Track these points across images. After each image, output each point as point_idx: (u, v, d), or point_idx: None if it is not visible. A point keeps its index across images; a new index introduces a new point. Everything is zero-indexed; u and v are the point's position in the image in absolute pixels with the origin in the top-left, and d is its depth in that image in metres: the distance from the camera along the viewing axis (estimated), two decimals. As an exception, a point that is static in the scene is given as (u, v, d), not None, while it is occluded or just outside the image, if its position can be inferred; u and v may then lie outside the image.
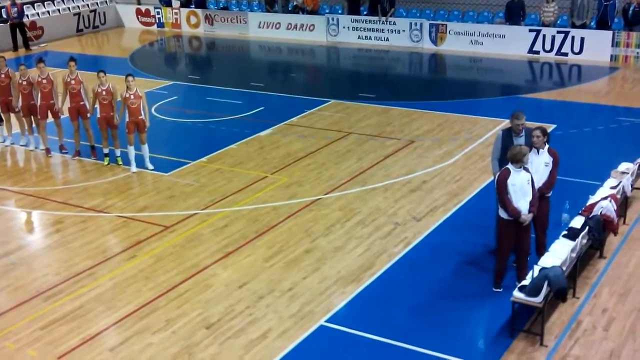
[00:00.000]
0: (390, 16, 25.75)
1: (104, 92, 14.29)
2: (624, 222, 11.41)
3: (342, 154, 14.94)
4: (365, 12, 26.72)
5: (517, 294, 8.59)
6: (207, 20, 29.44)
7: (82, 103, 14.95)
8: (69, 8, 30.09)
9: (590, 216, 10.16)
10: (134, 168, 14.39)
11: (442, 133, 16.07)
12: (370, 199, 12.66)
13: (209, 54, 28.08)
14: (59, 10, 29.81)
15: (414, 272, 10.31)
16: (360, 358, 8.46)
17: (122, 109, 14.19)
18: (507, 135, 10.03)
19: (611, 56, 22.29)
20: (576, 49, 22.77)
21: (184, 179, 13.92)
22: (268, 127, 16.86)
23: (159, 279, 10.30)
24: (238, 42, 28.14)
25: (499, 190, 9.22)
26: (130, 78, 14.05)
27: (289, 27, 27.68)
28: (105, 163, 14.81)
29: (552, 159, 9.63)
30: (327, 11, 27.85)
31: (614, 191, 10.79)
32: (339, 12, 27.65)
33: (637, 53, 21.90)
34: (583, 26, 22.80)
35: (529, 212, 9.19)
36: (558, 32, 23.00)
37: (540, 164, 9.59)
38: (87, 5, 30.67)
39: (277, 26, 27.92)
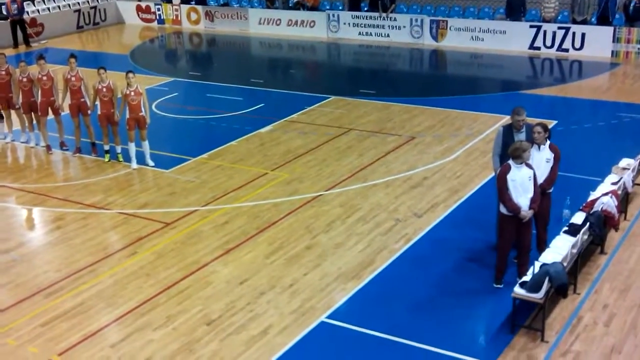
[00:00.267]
0: (391, 12, 25.73)
1: (104, 89, 14.29)
2: (625, 218, 11.40)
3: (343, 151, 14.93)
4: (365, 9, 26.68)
5: (518, 290, 8.59)
6: (208, 17, 29.41)
7: (82, 100, 14.94)
8: (69, 5, 30.04)
9: (591, 212, 10.16)
10: (134, 165, 14.39)
11: (442, 129, 16.06)
12: (371, 196, 12.66)
13: (209, 50, 28.06)
14: (59, 6, 29.77)
15: (414, 268, 10.31)
16: (361, 354, 8.46)
17: (122, 106, 14.19)
18: (508, 131, 10.02)
19: (612, 52, 22.26)
20: (577, 44, 22.74)
21: (185, 175, 13.92)
22: (268, 123, 16.85)
23: (160, 276, 10.30)
24: (238, 38, 28.12)
25: (499, 185, 9.22)
26: (130, 75, 14.05)
27: (290, 23, 27.65)
28: (106, 160, 14.81)
29: (553, 155, 9.62)
30: (327, 7, 27.83)
31: (614, 187, 10.78)
32: (340, 8, 27.63)
33: (638, 49, 21.87)
34: (584, 22, 22.77)
35: (530, 208, 9.18)
36: (559, 27, 22.97)
37: (541, 160, 9.58)
38: (88, 1, 30.62)
39: (278, 22, 27.89)
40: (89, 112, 14.97)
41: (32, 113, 15.63)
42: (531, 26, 23.42)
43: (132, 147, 14.32)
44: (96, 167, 14.65)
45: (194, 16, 29.76)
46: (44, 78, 15.09)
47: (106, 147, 14.82)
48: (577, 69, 21.93)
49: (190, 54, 28.15)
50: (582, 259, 9.78)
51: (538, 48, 23.30)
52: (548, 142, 9.66)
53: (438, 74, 23.44)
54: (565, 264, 8.89)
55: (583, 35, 22.58)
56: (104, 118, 14.46)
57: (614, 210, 10.31)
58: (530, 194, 9.16)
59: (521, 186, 9.10)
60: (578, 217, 10.07)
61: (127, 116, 14.09)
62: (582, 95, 18.65)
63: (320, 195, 12.79)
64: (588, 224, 9.80)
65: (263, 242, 11.18)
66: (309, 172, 13.83)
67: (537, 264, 8.71)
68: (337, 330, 8.93)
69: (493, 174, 10.50)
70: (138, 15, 31.22)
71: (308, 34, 27.13)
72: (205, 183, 13.51)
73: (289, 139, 15.81)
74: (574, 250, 9.30)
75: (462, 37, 24.50)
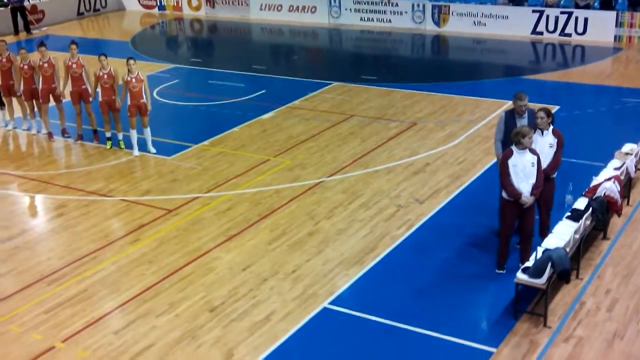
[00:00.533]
0: (393, -3, 25.62)
1: (105, 76, 14.25)
2: (628, 204, 11.38)
3: (345, 137, 14.90)
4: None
5: (521, 276, 8.59)
6: (209, 3, 29.31)
7: (83, 87, 14.91)
8: (69, -9, 29.96)
9: (593, 197, 10.14)
10: (136, 152, 14.38)
11: (444, 115, 16.02)
12: (373, 182, 12.65)
13: (210, 36, 27.97)
14: (59, -7, 29.68)
15: (416, 254, 10.31)
16: (364, 340, 8.47)
17: (123, 93, 14.16)
18: (510, 117, 9.99)
19: (615, 37, 22.18)
20: (580, 29, 22.65)
21: (187, 162, 13.91)
22: (270, 110, 16.82)
23: (162, 263, 10.32)
24: (240, 24, 28.03)
25: (500, 170, 9.21)
26: (131, 61, 14.01)
27: (291, 9, 27.55)
28: (108, 147, 14.80)
29: (556, 140, 9.59)
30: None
31: (617, 172, 10.76)
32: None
33: (642, 33, 21.80)
34: (587, 7, 22.67)
35: (531, 194, 9.15)
36: (561, 12, 22.88)
37: (544, 145, 9.55)
38: (88, -12, 30.54)
39: (279, 8, 27.79)
40: (90, 99, 14.95)
41: (34, 100, 15.60)
42: (534, 11, 23.32)
43: (133, 134, 14.30)
44: (98, 154, 14.64)
45: (194, 2, 29.67)
46: (45, 65, 15.05)
47: (108, 134, 14.80)
48: (579, 54, 21.85)
49: (191, 40, 28.06)
50: (584, 244, 9.77)
51: (541, 33, 23.21)
52: (551, 127, 9.63)
53: (440, 60, 23.36)
54: (567, 250, 8.88)
55: (586, 20, 22.49)
56: (105, 105, 14.43)
57: (617, 196, 10.29)
58: (533, 180, 9.13)
59: (522, 172, 9.07)
60: (581, 203, 10.05)
61: (129, 103, 14.06)
62: (585, 80, 18.59)
63: (322, 181, 12.78)
64: (591, 209, 9.79)
65: (265, 228, 11.19)
66: (311, 159, 13.81)
67: (540, 250, 8.71)
68: (339, 316, 8.94)
69: (495, 159, 10.48)
70: (139, 1, 31.14)
71: (309, 20, 27.03)
72: (207, 170, 13.50)
73: (291, 125, 15.78)
74: (577, 236, 9.29)
75: (464, 22, 24.40)
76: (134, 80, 13.93)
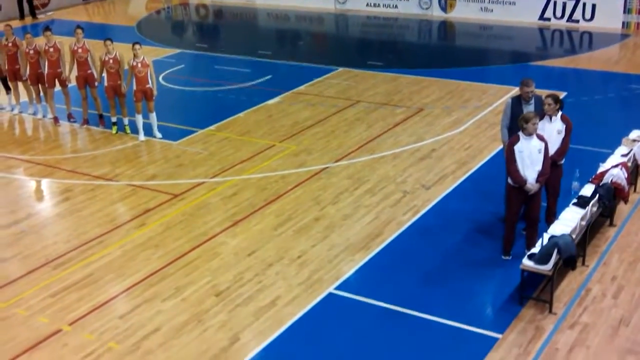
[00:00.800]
0: (399, -17, 25.47)
1: (111, 61, 14.23)
2: (635, 190, 11.34)
3: (351, 122, 14.87)
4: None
5: (527, 262, 8.58)
6: (214, -12, 29.20)
7: (89, 71, 14.90)
8: (75, -24, 29.89)
9: (600, 184, 10.10)
10: (142, 136, 14.38)
11: (451, 101, 15.96)
12: (379, 167, 12.62)
13: (216, 22, 27.88)
14: (65, -22, 29.62)
15: (422, 240, 10.30)
16: (369, 325, 8.48)
17: (129, 78, 14.14)
18: (517, 103, 9.95)
19: (623, 23, 22.02)
20: (587, 15, 22.50)
21: (193, 147, 13.90)
22: (276, 95, 16.79)
23: (168, 247, 10.33)
24: (245, 9, 27.92)
25: (506, 156, 9.19)
26: (137, 46, 13.98)
27: (297, -6, 27.44)
28: (114, 132, 14.81)
29: (564, 127, 9.54)
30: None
31: (624, 159, 10.71)
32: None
33: (650, 20, 21.65)
34: (595, -8, 22.51)
35: (536, 182, 9.11)
36: (569, -2, 22.73)
37: (552, 131, 9.51)
38: (94, -28, 30.46)
39: (285, -7, 27.68)
40: (96, 83, 14.94)
41: (39, 85, 15.60)
42: (541, -3, 23.19)
43: (139, 119, 14.30)
44: (104, 139, 14.64)
45: (200, -13, 29.56)
46: (51, 50, 15.04)
47: (113, 119, 14.80)
48: (587, 40, 21.72)
49: (197, 25, 27.99)
50: (591, 231, 9.75)
51: (548, 19, 23.06)
52: (560, 113, 9.58)
53: (447, 46, 23.26)
54: (574, 236, 8.86)
55: (594, 6, 22.33)
56: (111, 90, 14.42)
57: (624, 182, 10.24)
58: (539, 167, 9.08)
59: (529, 158, 9.03)
60: (587, 189, 10.01)
61: (134, 88, 14.05)
62: (593, 66, 18.48)
63: (328, 167, 12.77)
64: (597, 196, 9.75)
65: (271, 214, 11.18)
66: (317, 144, 13.79)
67: (546, 236, 8.69)
68: (345, 301, 8.95)
69: (502, 146, 10.44)
70: (144, -14, 31.05)
71: (315, 5, 26.90)
72: (212, 155, 13.49)
73: (297, 110, 15.75)
74: (583, 223, 9.27)
75: (471, 8, 24.26)
76: (139, 65, 13.91)
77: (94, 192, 12.19)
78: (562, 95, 15.22)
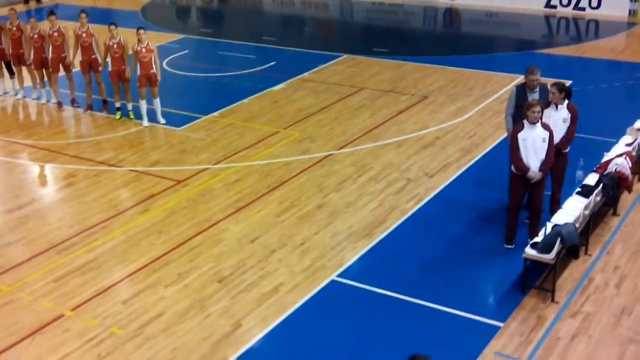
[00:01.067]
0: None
1: (115, 46, 14.20)
2: (639, 180, 11.31)
3: (355, 110, 14.84)
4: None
5: (529, 251, 8.58)
6: (219, -27, 29.07)
7: (93, 56, 14.87)
8: (79, -40, 29.75)
9: (604, 173, 10.07)
10: (145, 122, 14.37)
11: (456, 89, 15.91)
12: (383, 155, 12.61)
13: (220, 7, 27.80)
14: (69, -38, 29.49)
15: (425, 228, 10.30)
16: (371, 313, 8.50)
17: (133, 63, 14.11)
18: (521, 91, 9.91)
19: (630, 11, 21.92)
20: (594, 3, 22.38)
21: (196, 133, 13.89)
22: (280, 81, 16.75)
23: (171, 233, 10.35)
24: (250, -5, 27.82)
25: (510, 143, 9.18)
26: (141, 31, 13.94)
27: (302, -20, 27.33)
28: (117, 117, 14.80)
29: (570, 115, 9.51)
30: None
31: (629, 148, 10.68)
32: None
33: (657, 8, 21.53)
34: (602, -20, 22.39)
35: (539, 170, 9.08)
36: (576, -15, 22.62)
37: (558, 119, 9.48)
38: (98, -43, 30.32)
39: (290, -21, 27.57)
40: (100, 68, 14.92)
41: (43, 69, 15.58)
42: (547, -16, 23.07)
43: (143, 105, 14.29)
44: (107, 124, 14.64)
45: (205, -28, 29.42)
46: (55, 34, 15.01)
47: (117, 105, 14.79)
48: (593, 29, 21.61)
49: (201, 10, 27.89)
50: (594, 220, 9.74)
51: (554, 6, 22.95)
52: (566, 101, 9.55)
53: (452, 33, 23.16)
54: (577, 225, 8.85)
55: (600, -7, 22.24)
56: (115, 75, 14.40)
57: (628, 172, 10.22)
58: (542, 156, 9.05)
59: (532, 147, 8.99)
60: (591, 178, 9.99)
61: (138, 73, 14.03)
62: (598, 55, 18.40)
63: (332, 154, 12.75)
64: (601, 185, 9.73)
65: (274, 200, 11.19)
66: (321, 131, 13.77)
67: (549, 225, 8.68)
68: (347, 288, 8.96)
69: (506, 134, 10.41)
70: (149, -29, 30.89)
71: (320, -9, 26.82)
72: (216, 141, 13.48)
73: (301, 97, 15.72)
74: (587, 212, 9.25)
75: (477, -5, 24.16)
76: (143, 50, 13.88)
77: (97, 178, 12.20)
78: (567, 83, 15.17)
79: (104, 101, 15.20)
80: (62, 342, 8.10)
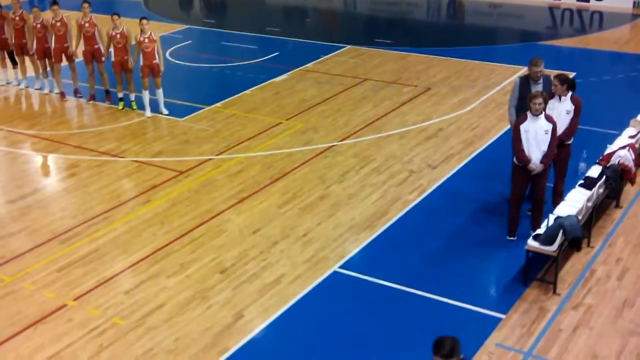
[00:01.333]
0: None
1: (118, 36, 14.18)
2: (642, 172, 11.29)
3: (358, 101, 14.81)
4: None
5: (532, 243, 8.57)
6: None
7: (96, 47, 14.85)
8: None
9: (607, 165, 10.06)
10: (148, 113, 14.36)
11: (459, 80, 15.87)
12: (386, 146, 12.59)
13: (224, -3, 27.73)
14: (72, -48, 29.42)
15: (428, 219, 10.30)
16: (373, 304, 8.50)
17: (136, 53, 14.09)
18: (525, 83, 9.88)
19: (634, 3, 21.84)
20: (598, -5, 22.30)
21: (199, 124, 13.88)
22: (283, 72, 16.73)
23: (174, 224, 10.35)
24: (253, -15, 27.74)
25: (512, 135, 9.16)
26: (144, 21, 13.92)
27: (305, -30, 27.21)
28: (120, 107, 14.79)
29: (574, 107, 9.48)
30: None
31: (632, 140, 10.65)
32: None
33: (661, 0, 21.45)
34: (606, -29, 22.30)
35: (540, 162, 9.06)
36: (580, -23, 22.52)
37: (561, 111, 9.45)
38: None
39: (293, -30, 27.45)
40: (103, 59, 14.91)
41: (46, 59, 15.57)
42: (552, -25, 22.98)
43: (145, 95, 14.28)
44: (110, 114, 14.63)
45: (208, -38, 29.31)
46: (58, 24, 14.99)
47: (120, 95, 14.78)
48: (597, 20, 21.53)
49: (204, 1, 27.81)
50: (597, 212, 9.73)
51: (558, -2, 22.88)
52: (570, 93, 9.52)
53: (455, 24, 23.09)
54: (580, 217, 8.84)
55: (605, -15, 22.14)
56: (118, 65, 14.38)
57: (631, 164, 10.20)
58: (544, 148, 9.02)
59: (534, 138, 8.97)
60: (594, 171, 9.97)
61: (141, 64, 14.01)
62: (602, 47, 18.34)
63: (334, 145, 12.74)
64: (604, 177, 9.71)
65: (276, 191, 11.19)
66: (324, 122, 13.75)
67: (552, 217, 8.67)
68: (349, 280, 8.97)
69: (509, 126, 10.40)
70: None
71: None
72: (219, 132, 13.47)
73: (304, 88, 15.70)
74: (589, 204, 9.24)
75: (481, -14, 24.07)
76: (146, 40, 13.86)
77: (100, 168, 12.21)
78: (571, 75, 15.13)
79: (107, 91, 15.19)
80: (64, 332, 8.13)
